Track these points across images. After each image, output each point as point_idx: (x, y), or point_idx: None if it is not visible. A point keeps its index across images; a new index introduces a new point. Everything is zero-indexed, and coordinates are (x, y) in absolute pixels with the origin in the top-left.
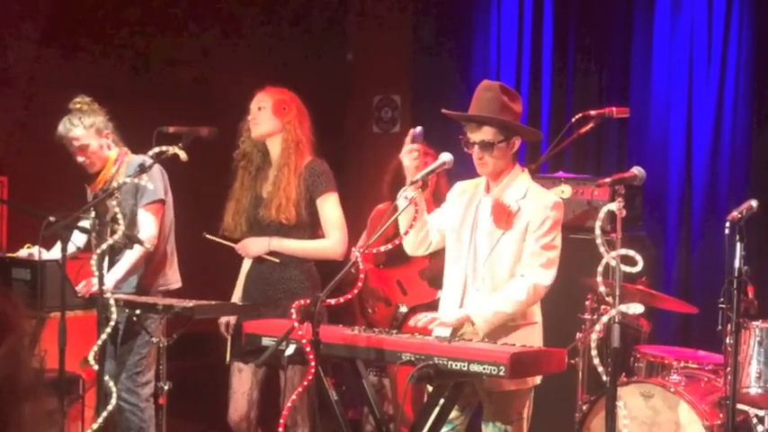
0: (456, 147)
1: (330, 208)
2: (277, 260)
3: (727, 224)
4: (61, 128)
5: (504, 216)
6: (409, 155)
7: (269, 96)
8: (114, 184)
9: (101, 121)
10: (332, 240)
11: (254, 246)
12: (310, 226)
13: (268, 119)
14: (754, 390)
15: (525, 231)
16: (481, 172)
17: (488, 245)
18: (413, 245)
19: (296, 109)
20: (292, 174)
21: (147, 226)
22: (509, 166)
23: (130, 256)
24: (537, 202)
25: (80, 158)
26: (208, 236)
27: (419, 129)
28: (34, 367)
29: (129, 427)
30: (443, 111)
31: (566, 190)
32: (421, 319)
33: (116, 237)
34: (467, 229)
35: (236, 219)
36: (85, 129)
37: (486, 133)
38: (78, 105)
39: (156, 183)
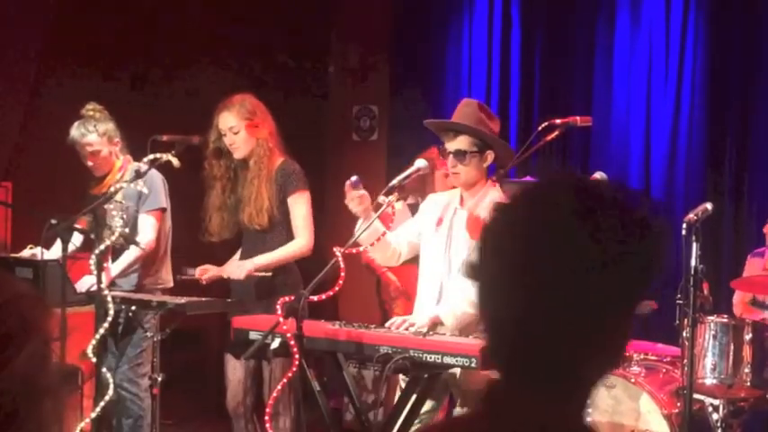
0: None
1: (299, 208)
2: (269, 273)
3: (684, 225)
4: (75, 133)
5: (478, 228)
6: (353, 201)
7: (239, 119)
8: (112, 189)
9: (112, 129)
10: (301, 241)
11: (240, 270)
12: (286, 225)
13: (246, 141)
14: (710, 380)
15: None
16: (454, 181)
17: (462, 255)
18: (381, 259)
19: (263, 120)
20: (264, 181)
21: (147, 231)
22: (482, 180)
23: (129, 255)
24: None
25: (89, 162)
26: (190, 272)
27: (355, 177)
28: (55, 362)
29: (130, 415)
30: (425, 122)
31: None
32: (397, 323)
33: (113, 238)
34: (442, 239)
35: (223, 225)
36: (99, 136)
37: (461, 142)
38: (91, 112)
39: (159, 192)
